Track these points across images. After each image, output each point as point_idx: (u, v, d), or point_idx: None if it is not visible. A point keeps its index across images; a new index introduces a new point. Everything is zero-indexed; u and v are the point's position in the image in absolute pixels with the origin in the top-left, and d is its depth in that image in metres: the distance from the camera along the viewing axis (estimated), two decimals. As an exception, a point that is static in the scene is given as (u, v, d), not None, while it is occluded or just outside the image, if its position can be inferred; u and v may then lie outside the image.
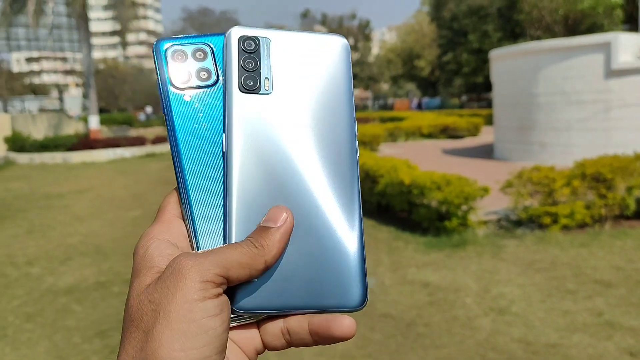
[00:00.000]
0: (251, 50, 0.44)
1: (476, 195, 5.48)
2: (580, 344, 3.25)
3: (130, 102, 45.38)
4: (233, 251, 0.39)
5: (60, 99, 53.07)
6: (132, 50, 78.60)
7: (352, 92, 0.45)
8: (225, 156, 0.43)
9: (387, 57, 48.40)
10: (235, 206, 0.42)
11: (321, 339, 0.41)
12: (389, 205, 6.59)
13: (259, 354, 0.44)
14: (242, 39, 0.44)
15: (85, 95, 30.19)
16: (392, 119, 23.57)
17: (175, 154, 0.43)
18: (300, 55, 0.45)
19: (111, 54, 70.86)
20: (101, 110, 37.38)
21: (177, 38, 0.46)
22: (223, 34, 0.45)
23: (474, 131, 18.61)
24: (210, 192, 0.43)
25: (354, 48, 43.64)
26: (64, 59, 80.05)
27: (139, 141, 18.20)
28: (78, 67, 59.73)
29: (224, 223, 0.42)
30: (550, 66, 10.02)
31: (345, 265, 0.42)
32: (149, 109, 45.42)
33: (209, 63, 0.45)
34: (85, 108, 43.83)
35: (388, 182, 6.30)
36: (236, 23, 55.24)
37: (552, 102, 9.99)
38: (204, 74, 0.45)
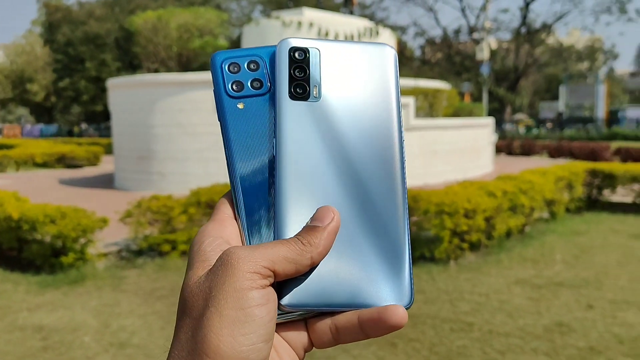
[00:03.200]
0: (301, 60, 0.46)
1: (95, 227, 5.29)
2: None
3: None
4: (281, 246, 0.41)
5: None
6: None
7: (399, 98, 0.47)
8: (276, 159, 0.45)
9: (-7, 78, 43.28)
10: (284, 206, 0.44)
11: (374, 330, 0.42)
12: (-6, 244, 5.83)
13: (306, 351, 0.45)
14: (293, 50, 0.47)
15: None
16: (0, 147, 21.15)
17: (228, 157, 0.46)
18: (348, 64, 0.47)
19: None
20: None
21: (232, 51, 0.48)
22: (274, 46, 0.47)
23: (94, 160, 17.99)
24: (259, 193, 0.45)
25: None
26: None
27: None
28: None
29: (274, 222, 0.44)
30: (167, 99, 10.41)
31: (392, 266, 0.44)
32: None
33: (261, 74, 0.47)
34: None
35: (-8, 218, 5.58)
36: None
37: (169, 133, 10.38)
38: (256, 84, 0.47)
